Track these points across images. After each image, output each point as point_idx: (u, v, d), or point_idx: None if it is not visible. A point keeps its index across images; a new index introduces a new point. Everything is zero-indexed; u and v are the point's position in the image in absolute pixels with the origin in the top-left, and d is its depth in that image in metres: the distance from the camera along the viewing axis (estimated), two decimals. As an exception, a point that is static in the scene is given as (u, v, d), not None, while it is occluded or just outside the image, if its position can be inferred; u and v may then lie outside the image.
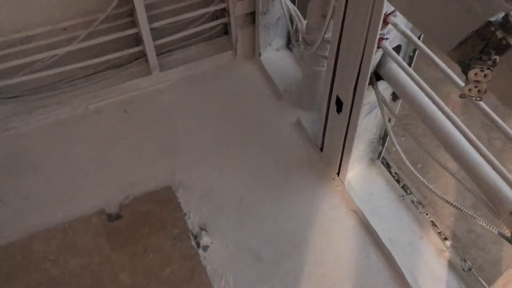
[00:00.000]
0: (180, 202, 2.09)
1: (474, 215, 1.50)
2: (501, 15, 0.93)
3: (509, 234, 1.31)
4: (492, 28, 0.95)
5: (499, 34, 0.94)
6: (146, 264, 1.88)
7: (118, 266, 1.88)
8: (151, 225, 1.98)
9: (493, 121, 1.22)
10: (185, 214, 2.04)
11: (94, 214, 2.02)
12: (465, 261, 1.87)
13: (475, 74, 0.96)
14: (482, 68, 0.95)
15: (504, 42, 0.95)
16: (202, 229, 2.02)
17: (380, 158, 2.14)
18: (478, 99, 1.02)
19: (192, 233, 1.98)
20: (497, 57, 0.93)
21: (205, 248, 1.96)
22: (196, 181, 2.17)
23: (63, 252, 1.92)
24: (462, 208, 1.55)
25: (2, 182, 2.15)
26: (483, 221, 1.43)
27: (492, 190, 1.33)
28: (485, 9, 1.00)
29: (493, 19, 0.94)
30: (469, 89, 1.00)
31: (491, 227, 1.40)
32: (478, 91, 0.99)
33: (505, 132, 1.20)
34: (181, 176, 2.18)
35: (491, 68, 0.95)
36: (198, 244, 1.96)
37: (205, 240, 1.98)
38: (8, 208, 2.07)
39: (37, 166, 2.21)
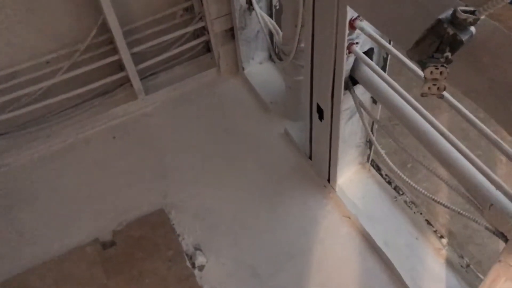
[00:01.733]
0: (173, 224, 2.09)
1: (462, 212, 1.49)
2: (450, 11, 0.93)
3: (493, 228, 1.29)
4: (444, 25, 0.95)
5: (451, 30, 0.94)
6: (143, 289, 1.88)
7: (115, 294, 1.87)
8: (145, 249, 1.98)
9: (463, 115, 1.21)
10: (178, 235, 2.04)
11: (89, 244, 2.02)
12: (462, 257, 1.85)
13: (431, 72, 0.96)
14: (436, 66, 0.95)
15: (458, 37, 0.95)
16: (196, 249, 2.01)
17: (370, 161, 2.13)
18: (440, 96, 1.02)
19: (186, 254, 1.98)
20: (449, 54, 0.93)
21: (201, 267, 1.96)
22: (188, 202, 2.17)
23: (60, 284, 1.92)
24: (449, 205, 1.54)
25: (-3, 220, 2.17)
26: (471, 217, 1.42)
27: (473, 185, 1.32)
28: (436, 7, 1.00)
29: (442, 16, 0.94)
30: (428, 88, 0.99)
31: (480, 223, 1.39)
32: (437, 88, 0.99)
33: (476, 126, 1.19)
34: (173, 198, 2.18)
35: (445, 65, 0.94)
36: (193, 265, 1.95)
37: (200, 260, 1.97)
38: (3, 245, 2.08)
39: (31, 200, 2.23)
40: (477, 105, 1.08)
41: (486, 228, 1.36)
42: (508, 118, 1.03)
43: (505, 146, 1.18)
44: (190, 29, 2.49)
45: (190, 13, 2.52)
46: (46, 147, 2.41)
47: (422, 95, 1.02)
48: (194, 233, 2.06)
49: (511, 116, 1.02)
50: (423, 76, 0.98)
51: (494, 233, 1.33)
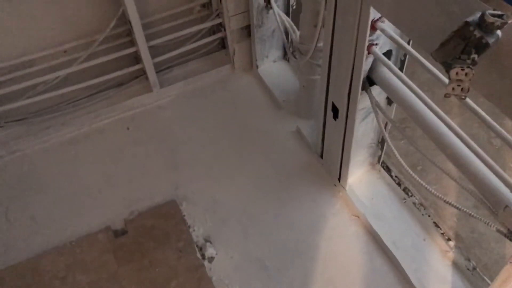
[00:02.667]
0: (184, 215, 2.11)
1: (473, 214, 1.51)
2: (478, 14, 0.96)
3: (506, 230, 1.32)
4: (471, 28, 0.98)
5: (477, 33, 0.97)
6: (153, 278, 1.90)
7: (125, 281, 1.90)
8: (156, 239, 2.01)
9: (481, 118, 1.24)
10: (189, 226, 2.07)
11: (101, 231, 2.05)
12: (469, 260, 1.88)
13: (456, 73, 0.99)
14: (462, 67, 0.98)
15: (483, 41, 0.98)
16: (206, 240, 2.04)
17: (380, 162, 2.16)
18: (462, 97, 1.05)
19: (197, 245, 2.01)
20: (475, 56, 0.96)
21: (210, 259, 1.98)
22: (199, 194, 2.20)
23: (71, 269, 1.95)
24: (460, 207, 1.56)
25: (10, 204, 2.20)
26: (482, 219, 1.45)
27: (487, 187, 1.34)
28: (463, 10, 1.03)
29: (470, 19, 0.97)
30: (453, 88, 1.02)
31: (491, 225, 1.42)
32: (461, 89, 1.02)
33: (493, 128, 1.22)
34: (184, 189, 2.21)
35: (471, 66, 0.97)
36: (203, 256, 1.98)
37: (210, 251, 2.00)
38: (16, 229, 2.11)
39: (44, 186, 2.26)
40: (499, 109, 1.11)
41: (498, 231, 1.39)
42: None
43: (522, 149, 1.20)
44: (207, 25, 2.53)
45: (207, 9, 2.55)
46: (60, 134, 2.45)
47: (446, 95, 1.05)
48: (204, 225, 2.09)
49: (531, 120, 1.05)
50: (448, 77, 1.01)
51: (505, 235, 1.35)
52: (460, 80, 1.00)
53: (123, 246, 2.00)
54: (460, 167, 1.43)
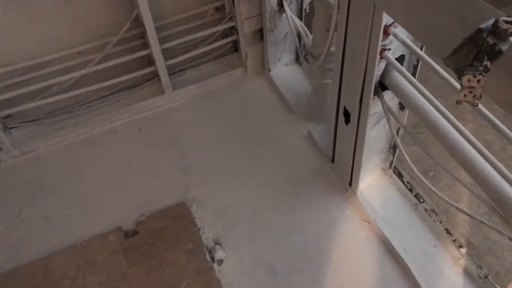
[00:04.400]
0: (194, 218, 2.12)
1: (484, 221, 1.50)
2: (491, 21, 0.95)
3: (518, 239, 1.31)
4: (484, 35, 0.97)
5: (491, 40, 0.96)
6: (162, 280, 1.91)
7: (135, 282, 1.91)
8: (166, 240, 2.02)
9: (494, 124, 1.22)
10: (199, 229, 2.08)
11: (111, 232, 2.07)
12: (481, 268, 1.85)
13: (468, 80, 0.98)
14: (475, 74, 0.97)
15: (496, 47, 0.97)
16: (216, 243, 2.04)
17: (392, 168, 2.15)
18: (474, 104, 1.04)
19: (206, 248, 2.01)
20: (488, 62, 0.95)
21: (220, 262, 1.99)
22: (210, 197, 2.20)
23: (82, 269, 1.97)
24: (472, 214, 1.55)
25: (23, 203, 2.22)
26: (494, 226, 1.43)
27: (499, 195, 1.33)
28: (476, 17, 1.02)
29: (483, 26, 0.96)
30: (464, 95, 1.01)
31: (503, 233, 1.40)
32: (473, 96, 1.01)
33: (506, 135, 1.21)
34: (195, 192, 2.22)
35: (483, 73, 0.96)
36: (212, 258, 1.98)
37: (219, 254, 2.00)
38: (28, 228, 2.13)
39: (56, 187, 2.28)
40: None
41: (510, 239, 1.37)
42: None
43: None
44: (220, 28, 2.54)
45: (220, 13, 2.56)
46: (73, 135, 2.47)
47: (458, 102, 1.04)
48: (214, 228, 2.09)
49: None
50: (459, 84, 1.00)
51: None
52: (472, 87, 0.99)
53: (133, 247, 2.01)
54: (472, 174, 1.42)
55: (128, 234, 2.07)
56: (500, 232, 1.42)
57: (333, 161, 2.21)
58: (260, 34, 2.56)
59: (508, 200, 1.31)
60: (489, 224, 1.48)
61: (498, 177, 1.34)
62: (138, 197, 2.21)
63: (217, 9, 2.55)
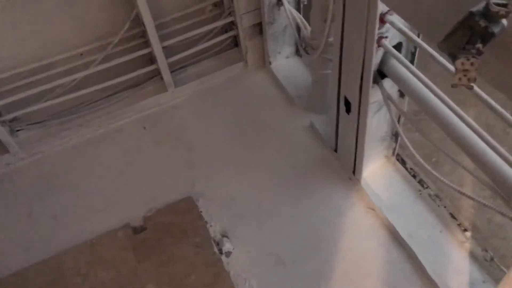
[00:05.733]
0: (201, 212, 2.15)
1: (487, 204, 1.51)
2: (483, 4, 0.97)
3: (519, 219, 1.32)
4: (476, 18, 0.98)
5: (483, 23, 0.97)
6: (171, 273, 1.94)
7: (145, 277, 1.95)
8: (174, 235, 2.05)
9: (490, 106, 1.24)
10: (206, 222, 2.10)
11: (120, 228, 2.10)
12: (486, 251, 1.87)
13: (462, 63, 0.99)
14: (468, 57, 0.98)
15: (489, 30, 0.98)
16: (223, 236, 2.07)
17: (395, 155, 2.16)
18: (470, 87, 1.05)
19: (214, 240, 2.04)
20: (480, 45, 0.97)
21: (228, 254, 2.02)
22: (216, 191, 2.23)
23: (93, 266, 2.01)
24: (474, 197, 1.57)
25: (32, 204, 2.26)
26: (496, 208, 1.45)
27: (500, 176, 1.34)
28: (468, 0, 1.04)
29: (475, 9, 0.97)
30: (459, 78, 1.03)
31: (505, 214, 1.42)
32: (468, 79, 1.02)
33: (504, 117, 1.22)
34: (200, 186, 2.25)
35: (476, 56, 0.98)
36: (220, 251, 2.01)
37: (227, 246, 2.03)
38: (38, 228, 2.17)
39: (64, 186, 2.32)
40: (508, 97, 1.11)
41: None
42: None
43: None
44: (219, 23, 2.55)
45: (219, 8, 2.58)
46: (78, 136, 2.51)
47: (453, 86, 1.05)
48: (221, 221, 2.12)
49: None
50: (454, 67, 1.02)
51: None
52: (467, 70, 1.01)
53: (142, 243, 2.04)
54: (472, 157, 1.43)
55: (136, 230, 2.10)
56: (502, 214, 1.44)
57: (336, 150, 2.23)
58: (259, 28, 2.57)
59: (508, 181, 1.33)
60: (491, 206, 1.50)
61: (498, 159, 1.35)
62: (145, 193, 2.24)
63: (215, 5, 2.57)
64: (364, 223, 2.04)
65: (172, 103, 2.62)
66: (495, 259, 1.84)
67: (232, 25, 2.63)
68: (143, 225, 2.11)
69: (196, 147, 2.42)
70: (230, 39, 2.71)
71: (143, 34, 2.42)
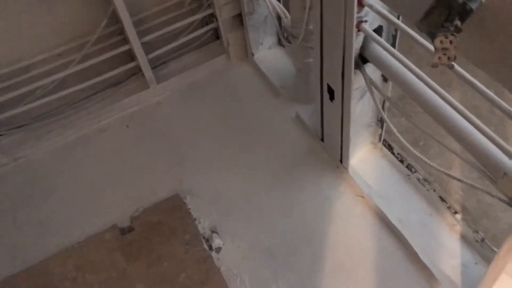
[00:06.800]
0: (189, 209, 2.12)
1: (474, 184, 1.50)
2: (459, -20, 0.94)
3: (506, 198, 1.31)
4: (453, -5, 0.96)
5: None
6: (162, 273, 1.91)
7: (135, 278, 1.92)
8: (162, 234, 2.02)
9: (474, 87, 1.22)
10: (195, 219, 2.08)
11: (107, 230, 2.07)
12: (477, 232, 1.86)
13: (441, 41, 0.97)
14: (446, 35, 0.96)
15: (467, 7, 0.95)
16: (213, 232, 2.05)
17: (382, 141, 2.14)
18: (450, 66, 1.03)
19: (203, 237, 2.01)
20: (458, 22, 0.94)
21: (218, 250, 1.99)
22: (203, 187, 2.20)
23: (81, 270, 1.97)
24: (463, 179, 1.55)
25: (17, 210, 2.22)
26: (484, 189, 1.43)
27: (485, 156, 1.32)
28: (444, -23, 1.01)
29: (451, -15, 0.95)
30: (439, 58, 1.00)
31: (493, 194, 1.41)
32: (448, 58, 1.00)
33: (487, 96, 1.20)
34: (188, 183, 2.22)
35: (454, 34, 0.95)
36: (210, 247, 1.99)
37: (217, 242, 2.01)
38: (25, 234, 2.13)
39: (49, 190, 2.27)
40: (489, 75, 1.09)
41: (500, 199, 1.37)
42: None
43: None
44: (198, 16, 2.51)
45: (198, 1, 2.53)
46: (62, 138, 2.46)
47: (433, 65, 1.03)
48: (210, 217, 2.09)
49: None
50: (433, 47, 0.99)
51: (508, 203, 1.34)
52: (446, 49, 0.98)
53: (130, 243, 2.01)
54: (459, 139, 1.41)
55: (124, 231, 2.07)
56: (490, 194, 1.42)
57: (322, 140, 2.21)
58: (239, 19, 2.53)
59: (493, 161, 1.31)
60: (479, 187, 1.48)
61: (483, 139, 1.33)
62: (131, 193, 2.20)
63: (197, -3, 2.53)
64: (353, 211, 2.02)
65: (155, 100, 2.58)
66: (486, 240, 1.83)
67: (212, 18, 2.59)
68: (130, 225, 2.07)
69: (182, 143, 2.38)
70: (210, 31, 2.67)
71: (121, 31, 2.37)
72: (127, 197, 2.19)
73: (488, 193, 1.42)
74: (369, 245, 1.94)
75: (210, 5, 2.51)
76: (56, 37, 2.31)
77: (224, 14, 2.46)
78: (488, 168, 1.33)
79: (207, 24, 2.62)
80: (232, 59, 2.68)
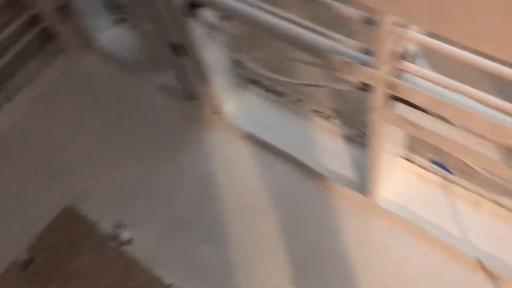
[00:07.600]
0: (86, 215, 2.02)
1: (327, 84, 1.57)
2: None
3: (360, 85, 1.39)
4: None
5: None
6: (80, 287, 1.82)
7: (55, 305, 1.81)
8: (66, 251, 1.91)
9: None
10: (94, 223, 1.98)
11: (7, 271, 1.91)
12: (355, 128, 1.97)
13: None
14: None
15: None
16: (119, 227, 1.97)
17: (247, 79, 2.16)
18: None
19: (110, 236, 1.94)
20: None
21: (130, 242, 1.93)
22: (94, 188, 2.10)
23: (-5, 321, 1.82)
24: (321, 84, 1.62)
25: None
26: (338, 87, 1.51)
27: (320, 49, 1.38)
28: None
29: None
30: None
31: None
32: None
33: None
34: (76, 191, 2.10)
35: None
36: (121, 242, 1.92)
37: (126, 234, 1.94)
38: None
39: None
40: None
41: (356, 88, 1.45)
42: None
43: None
44: (20, 21, 2.31)
45: (14, 5, 2.32)
46: None
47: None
48: (111, 214, 2.01)
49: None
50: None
51: (362, 89, 1.42)
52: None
53: (36, 274, 1.88)
54: (301, 47, 1.45)
55: (26, 264, 1.92)
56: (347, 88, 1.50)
57: (192, 98, 2.18)
58: (67, 10, 2.37)
59: (321, 48, 1.37)
60: (338, 86, 1.56)
61: (318, 38, 1.39)
62: (18, 224, 2.04)
63: (7, 3, 2.31)
64: (242, 153, 2.05)
65: (8, 124, 2.36)
66: (366, 132, 1.94)
67: (36, 18, 2.39)
68: (29, 257, 1.93)
69: (57, 154, 2.23)
70: (42, 33, 2.47)
71: None
72: (15, 230, 2.02)
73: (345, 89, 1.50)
74: (267, 179, 1.99)
75: (28, 6, 2.31)
76: None
77: (46, 9, 2.29)
78: (322, 58, 1.39)
79: (34, 25, 2.42)
80: (75, 53, 2.52)
